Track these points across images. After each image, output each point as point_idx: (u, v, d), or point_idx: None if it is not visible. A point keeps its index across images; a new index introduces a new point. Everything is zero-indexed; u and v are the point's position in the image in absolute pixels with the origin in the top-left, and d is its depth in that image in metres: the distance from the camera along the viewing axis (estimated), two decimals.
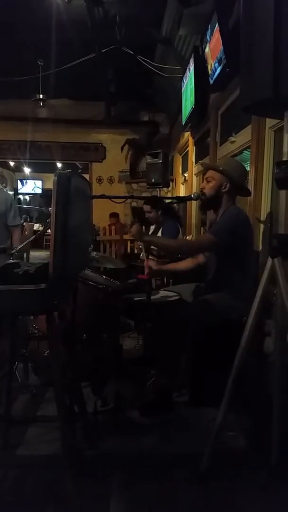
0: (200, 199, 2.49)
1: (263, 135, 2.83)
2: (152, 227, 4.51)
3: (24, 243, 4.08)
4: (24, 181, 14.55)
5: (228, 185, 2.41)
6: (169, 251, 2.33)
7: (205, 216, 4.33)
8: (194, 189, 5.15)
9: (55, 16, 4.60)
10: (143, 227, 4.90)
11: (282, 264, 1.59)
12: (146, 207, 4.29)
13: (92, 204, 4.42)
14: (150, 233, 4.47)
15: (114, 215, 8.02)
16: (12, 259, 2.63)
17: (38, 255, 9.17)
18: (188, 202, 5.35)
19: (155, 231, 4.33)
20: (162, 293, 2.79)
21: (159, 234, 4.27)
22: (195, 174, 5.45)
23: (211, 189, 2.43)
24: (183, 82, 4.92)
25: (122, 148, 8.52)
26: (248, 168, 2.99)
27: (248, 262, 2.43)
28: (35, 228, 8.52)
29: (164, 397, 2.37)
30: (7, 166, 13.34)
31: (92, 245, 3.11)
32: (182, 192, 6.75)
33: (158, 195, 7.17)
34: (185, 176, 6.38)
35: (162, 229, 4.25)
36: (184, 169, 6.50)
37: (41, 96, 6.71)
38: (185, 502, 1.67)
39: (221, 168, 2.45)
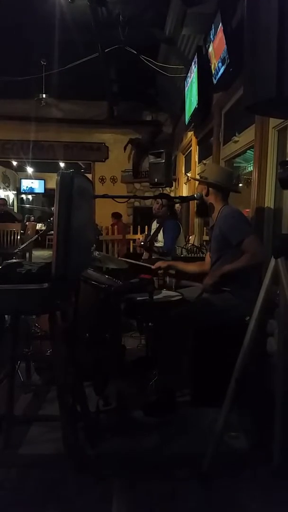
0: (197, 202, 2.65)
1: (266, 135, 2.83)
2: (153, 227, 4.52)
3: (27, 243, 4.10)
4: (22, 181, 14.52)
5: (206, 189, 2.59)
6: (240, 271, 2.35)
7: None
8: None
9: (58, 16, 4.61)
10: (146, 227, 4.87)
11: (285, 264, 1.59)
12: (160, 202, 4.26)
13: (95, 204, 4.42)
14: (152, 231, 4.49)
15: (116, 215, 8.02)
16: (15, 259, 2.63)
17: (41, 255, 9.22)
18: (191, 202, 5.35)
19: (157, 231, 4.34)
20: (165, 293, 2.79)
21: (161, 232, 4.29)
22: (198, 174, 5.44)
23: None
24: (187, 82, 4.92)
25: (125, 148, 8.53)
26: (251, 168, 2.98)
27: None
28: (37, 227, 8.52)
29: (167, 397, 2.37)
30: (10, 166, 13.37)
31: (94, 245, 3.12)
32: (185, 192, 6.75)
33: None
34: (188, 176, 6.37)
35: (164, 228, 4.27)
36: (187, 169, 6.49)
37: (44, 95, 6.73)
38: (187, 502, 1.67)
39: (197, 177, 2.61)
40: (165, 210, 4.28)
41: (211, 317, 2.38)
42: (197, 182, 4.90)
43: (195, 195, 2.64)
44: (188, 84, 4.84)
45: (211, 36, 3.56)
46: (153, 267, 2.84)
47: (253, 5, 1.61)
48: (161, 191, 7.06)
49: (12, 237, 7.09)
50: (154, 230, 4.42)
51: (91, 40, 4.93)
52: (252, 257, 2.28)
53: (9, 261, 1.80)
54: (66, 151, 8.75)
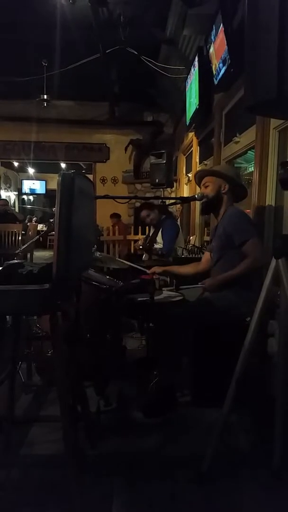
0: (203, 201, 2.60)
1: (267, 136, 2.83)
2: (152, 228, 4.53)
3: (28, 243, 4.11)
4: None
5: (226, 186, 2.54)
6: (237, 278, 2.37)
7: (208, 216, 4.35)
8: (198, 190, 5.16)
9: (60, 17, 4.61)
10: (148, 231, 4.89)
11: (286, 265, 1.59)
12: (144, 213, 4.34)
13: (96, 205, 4.44)
14: (151, 233, 4.50)
15: (115, 216, 8.01)
16: (16, 259, 2.64)
17: (42, 255, 9.23)
18: (192, 202, 5.36)
19: (155, 233, 4.35)
20: (165, 293, 2.79)
21: (159, 234, 4.29)
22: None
23: (212, 191, 2.56)
24: (187, 83, 4.92)
25: (126, 149, 8.52)
26: (252, 169, 2.98)
27: None
28: (39, 228, 8.54)
29: (167, 397, 2.38)
30: (11, 167, 13.40)
31: (95, 245, 3.12)
32: (186, 192, 6.75)
33: (162, 195, 7.19)
34: (189, 177, 6.37)
35: (162, 229, 4.27)
36: (188, 170, 6.50)
37: (45, 96, 6.73)
38: (186, 502, 1.67)
39: (217, 170, 2.62)
40: (154, 216, 4.30)
41: (211, 317, 2.38)
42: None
43: (196, 196, 2.64)
44: (189, 85, 4.84)
45: (212, 37, 3.56)
46: (148, 271, 2.85)
47: (253, 6, 1.61)
48: (162, 192, 7.10)
49: (13, 238, 7.10)
50: (153, 231, 4.43)
51: (92, 41, 4.93)
52: (252, 262, 2.30)
53: (10, 261, 1.79)
54: (67, 151, 8.75)
